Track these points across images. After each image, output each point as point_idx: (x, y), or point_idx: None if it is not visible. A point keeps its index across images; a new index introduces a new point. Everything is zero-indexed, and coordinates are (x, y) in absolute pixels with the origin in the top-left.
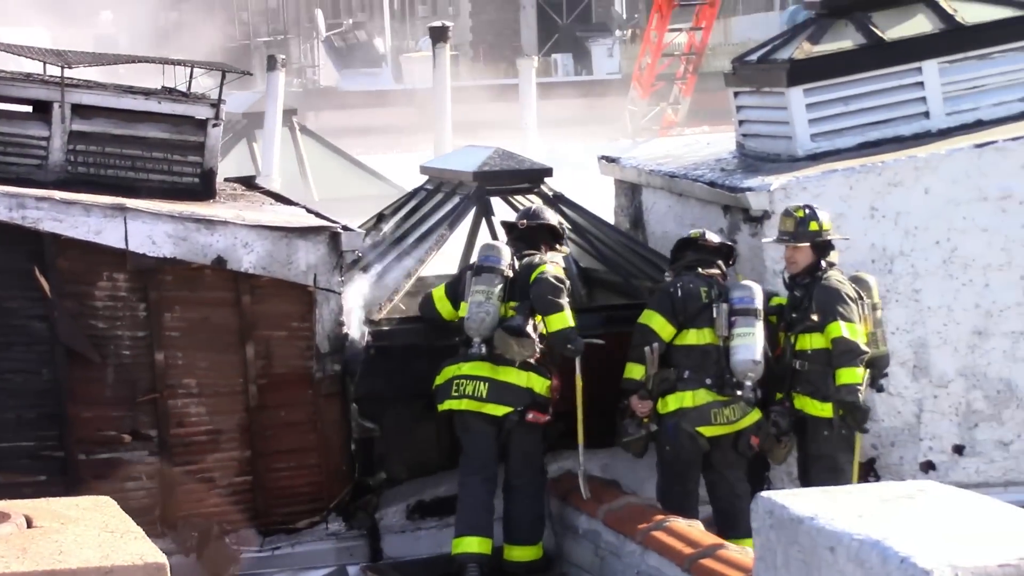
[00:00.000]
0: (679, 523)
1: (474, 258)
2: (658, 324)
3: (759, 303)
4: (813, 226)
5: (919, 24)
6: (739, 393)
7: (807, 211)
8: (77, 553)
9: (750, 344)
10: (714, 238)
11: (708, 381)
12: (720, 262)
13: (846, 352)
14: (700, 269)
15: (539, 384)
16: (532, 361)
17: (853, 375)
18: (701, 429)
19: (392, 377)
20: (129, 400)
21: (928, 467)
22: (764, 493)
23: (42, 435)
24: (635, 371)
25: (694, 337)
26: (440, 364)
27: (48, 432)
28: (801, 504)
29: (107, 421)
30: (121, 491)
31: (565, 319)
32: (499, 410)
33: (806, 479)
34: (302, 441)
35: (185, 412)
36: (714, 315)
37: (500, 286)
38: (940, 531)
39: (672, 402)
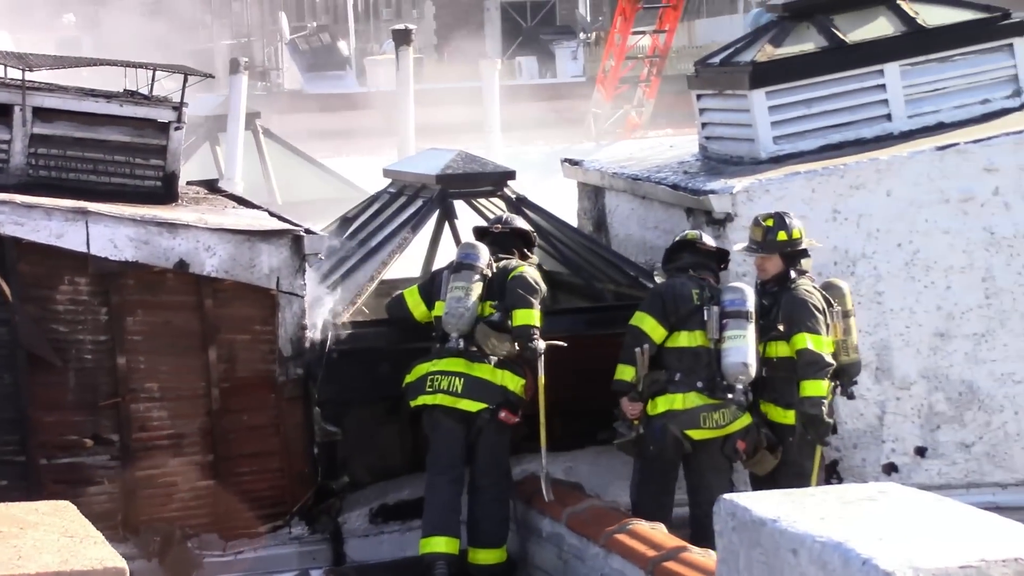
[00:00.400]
0: (642, 526)
1: (452, 257)
2: (649, 326)
3: (751, 306)
4: (781, 236)
5: (881, 27)
6: (730, 396)
7: (775, 220)
8: (36, 558)
9: (741, 347)
10: (710, 241)
11: (699, 384)
12: (713, 265)
13: (811, 364)
14: (692, 271)
15: (512, 382)
16: (506, 360)
17: (817, 388)
18: (689, 432)
19: (355, 380)
20: (91, 404)
21: (890, 469)
22: (726, 495)
23: (3, 440)
24: (626, 372)
25: (685, 339)
26: (409, 364)
27: (9, 437)
28: (764, 506)
29: (68, 426)
30: (83, 496)
31: (531, 316)
32: (473, 406)
33: (773, 484)
34: (265, 445)
35: (147, 416)
36: (705, 318)
37: (479, 283)
38: (902, 533)
39: (662, 403)
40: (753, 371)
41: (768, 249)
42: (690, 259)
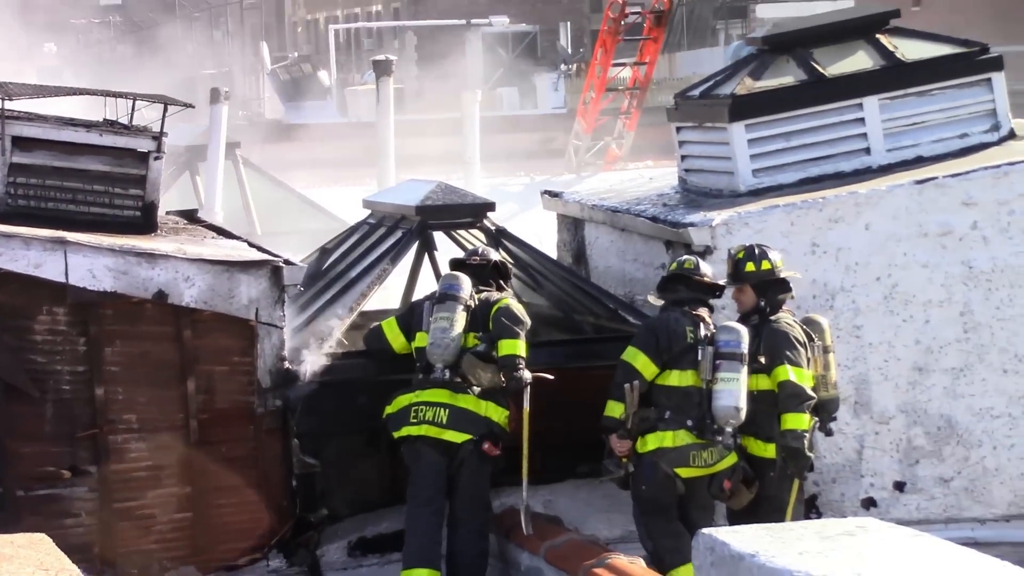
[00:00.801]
0: (621, 560)
1: (432, 288)
2: (641, 363)
3: (745, 347)
4: (750, 267)
5: (860, 61)
6: (719, 439)
7: (746, 252)
8: None
9: (734, 390)
10: (707, 270)
11: (689, 423)
12: (708, 299)
13: (792, 396)
14: (688, 307)
15: (496, 413)
16: (490, 390)
17: (799, 421)
18: (679, 470)
19: (333, 412)
20: (68, 436)
21: (869, 504)
22: (705, 529)
23: None
24: (615, 409)
25: (676, 379)
26: (387, 395)
27: None
28: (742, 541)
29: (46, 456)
30: (60, 528)
31: (517, 346)
32: (458, 437)
33: (751, 518)
34: (243, 477)
35: (125, 448)
36: (699, 357)
37: (464, 314)
38: (881, 568)
39: (652, 441)
40: (744, 415)
41: (738, 280)
42: (686, 294)
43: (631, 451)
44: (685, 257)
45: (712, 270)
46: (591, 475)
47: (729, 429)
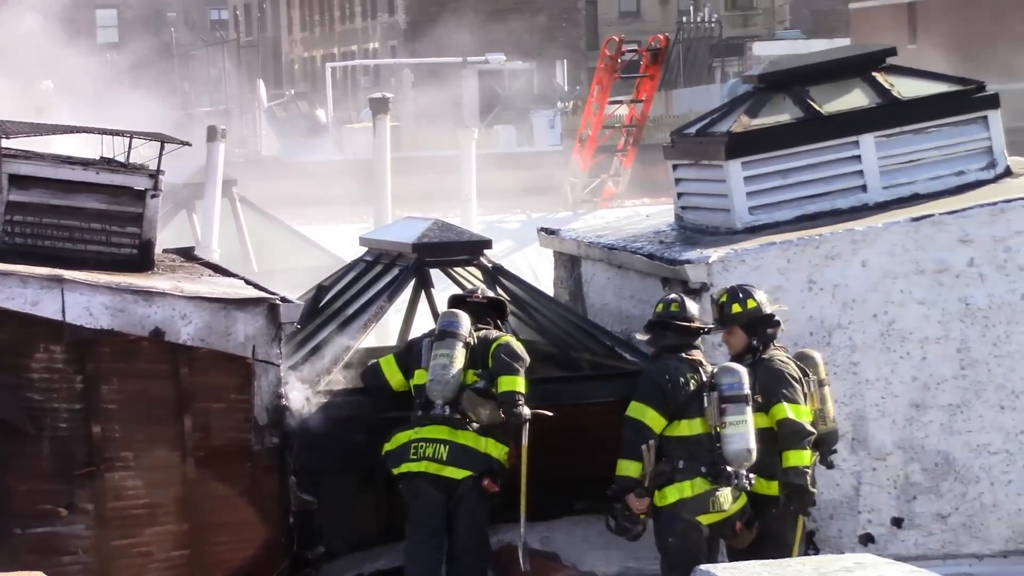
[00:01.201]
0: None
1: (430, 325)
2: (650, 418)
3: (747, 388)
4: (735, 308)
5: (856, 98)
6: (735, 482)
7: (729, 294)
8: None
9: (744, 433)
10: (693, 310)
11: (703, 470)
12: (697, 341)
13: (792, 434)
14: (683, 353)
15: (496, 450)
16: (489, 427)
17: (800, 457)
18: (700, 518)
19: (330, 449)
20: (66, 473)
21: (867, 540)
22: (703, 566)
23: None
24: (631, 468)
25: (686, 428)
26: (388, 432)
27: None
28: None
29: (43, 494)
30: (57, 565)
31: (516, 383)
32: (458, 473)
33: (753, 556)
34: (240, 514)
35: (122, 485)
36: (705, 404)
37: (463, 351)
38: None
39: (671, 494)
40: (755, 455)
41: (726, 323)
42: (675, 339)
43: (649, 507)
44: (670, 298)
45: (699, 308)
46: (588, 511)
47: (743, 471)
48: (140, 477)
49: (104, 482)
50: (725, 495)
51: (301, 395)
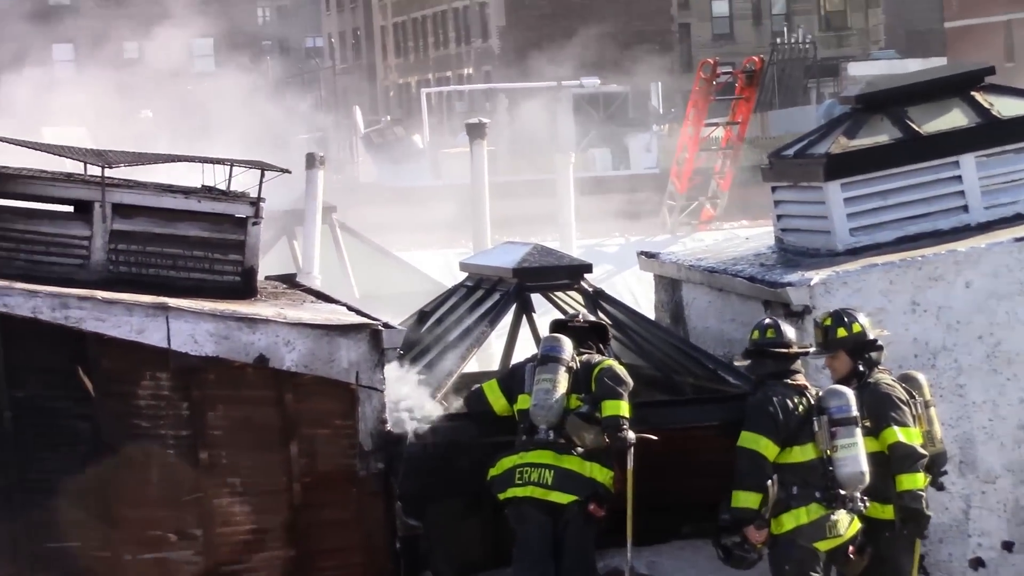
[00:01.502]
0: None
1: (531, 350)
2: (764, 447)
3: (855, 410)
4: (841, 332)
5: (955, 118)
6: (850, 505)
7: (833, 318)
8: None
9: (855, 455)
10: (789, 334)
11: (817, 495)
12: (798, 365)
13: (905, 457)
14: (787, 380)
15: (601, 474)
16: (594, 451)
17: (915, 480)
18: (816, 544)
19: (436, 474)
20: (174, 500)
21: (977, 564)
22: None
23: (89, 535)
24: (750, 500)
25: (799, 454)
26: (493, 456)
27: (94, 532)
28: None
29: (152, 521)
30: None
31: (621, 407)
32: (564, 498)
33: None
34: (346, 540)
35: (230, 511)
36: (815, 429)
37: (566, 376)
38: None
39: (788, 521)
40: (868, 477)
41: (831, 348)
42: (776, 366)
43: (767, 536)
44: (765, 324)
45: (796, 332)
46: (695, 535)
47: (857, 494)
48: (247, 503)
49: (212, 508)
50: (841, 520)
51: (405, 420)
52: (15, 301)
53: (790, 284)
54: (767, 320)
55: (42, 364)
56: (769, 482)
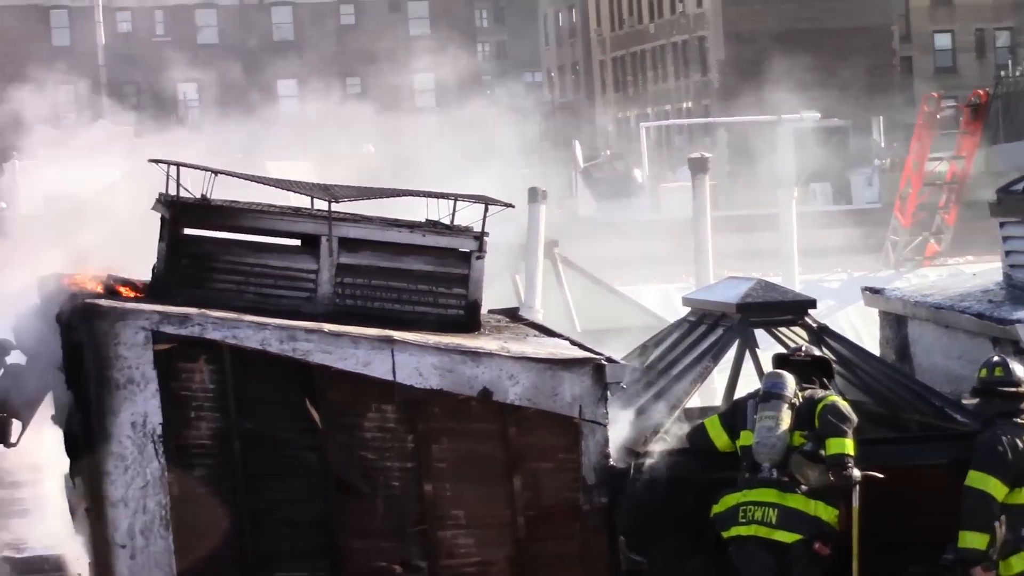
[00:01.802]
0: None
1: (754, 386)
2: (993, 487)
3: None
4: None
5: None
6: None
7: None
8: None
9: None
10: (1020, 374)
11: None
12: None
13: None
14: (1017, 419)
15: (826, 513)
16: (818, 489)
17: None
18: None
19: (660, 510)
20: (399, 531)
21: None
22: None
23: (315, 566)
24: (978, 540)
25: None
26: (716, 493)
27: (320, 562)
28: None
29: (378, 552)
30: None
31: (845, 444)
32: (789, 537)
33: None
34: (570, 574)
35: (454, 544)
36: None
37: (789, 412)
38: None
39: (1017, 564)
40: None
41: None
42: (1004, 405)
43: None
44: (994, 362)
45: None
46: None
47: None
48: (471, 535)
49: (437, 540)
50: None
51: (629, 455)
52: (244, 333)
53: (1020, 321)
54: (996, 358)
55: (270, 396)
56: (997, 523)
